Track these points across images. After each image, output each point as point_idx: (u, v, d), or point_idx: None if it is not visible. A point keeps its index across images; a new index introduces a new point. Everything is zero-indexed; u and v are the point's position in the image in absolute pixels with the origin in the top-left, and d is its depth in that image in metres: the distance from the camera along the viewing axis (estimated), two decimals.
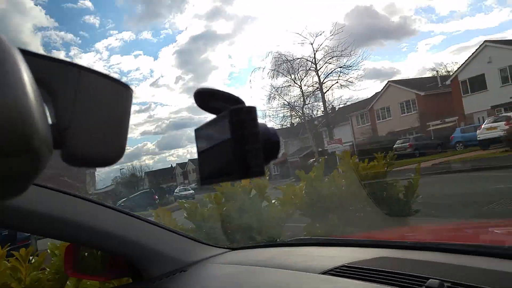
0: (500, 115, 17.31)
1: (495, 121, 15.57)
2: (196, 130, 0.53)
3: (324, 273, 1.06)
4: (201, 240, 1.67)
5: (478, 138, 15.82)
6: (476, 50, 25.15)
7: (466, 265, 0.90)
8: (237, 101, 0.46)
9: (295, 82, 32.13)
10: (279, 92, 33.01)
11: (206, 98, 0.47)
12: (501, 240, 1.26)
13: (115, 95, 0.45)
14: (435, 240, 1.13)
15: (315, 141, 32.05)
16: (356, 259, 1.12)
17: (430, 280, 0.86)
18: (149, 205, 18.08)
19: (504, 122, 14.68)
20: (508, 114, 16.21)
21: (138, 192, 28.94)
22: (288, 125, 35.75)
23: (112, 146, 0.45)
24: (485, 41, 25.14)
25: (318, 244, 1.42)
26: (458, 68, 26.60)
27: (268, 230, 3.20)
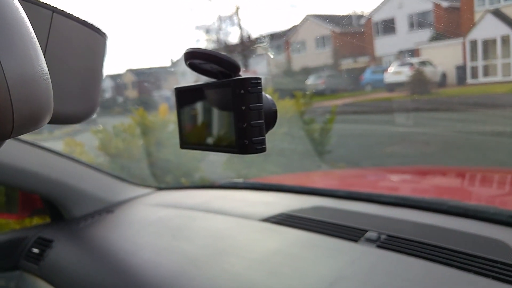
0: (405, 60, 18.68)
1: (400, 66, 16.81)
2: (178, 90, 0.48)
3: (264, 220, 1.07)
4: (125, 179, 1.59)
5: (385, 81, 17.03)
6: None
7: (400, 218, 0.97)
8: (233, 65, 0.41)
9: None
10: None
11: (197, 59, 0.42)
12: (424, 193, 1.39)
13: (88, 41, 0.40)
14: (369, 191, 1.20)
15: None
16: (292, 207, 1.14)
17: (368, 232, 0.91)
18: None
19: (408, 68, 15.94)
20: (412, 60, 17.55)
21: None
22: None
23: (84, 100, 0.40)
24: None
25: (251, 188, 1.43)
26: (374, 9, 27.62)
27: (187, 165, 3.18)
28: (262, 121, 0.40)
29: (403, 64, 17.42)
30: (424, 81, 15.24)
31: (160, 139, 3.26)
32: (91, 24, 0.39)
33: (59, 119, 0.36)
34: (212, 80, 0.45)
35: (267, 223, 1.05)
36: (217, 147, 0.45)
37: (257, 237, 0.98)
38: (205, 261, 0.91)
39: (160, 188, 1.61)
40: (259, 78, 0.40)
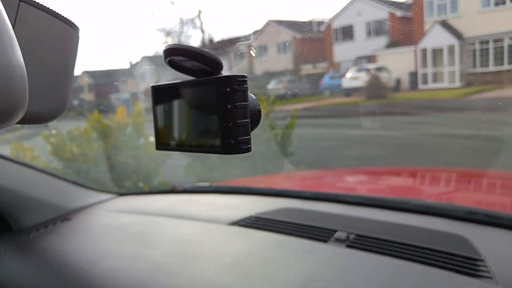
0: (362, 66, 19.32)
1: (358, 71, 17.37)
2: (154, 88, 0.46)
3: (233, 224, 1.05)
4: (84, 184, 1.51)
5: (343, 86, 17.55)
6: (350, 1, 27.02)
7: (366, 217, 0.98)
8: (216, 62, 0.39)
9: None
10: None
11: (178, 56, 0.40)
12: (388, 192, 1.42)
13: (59, 35, 0.37)
14: (334, 191, 1.21)
15: None
16: (260, 209, 1.13)
17: (337, 232, 0.92)
18: None
19: (365, 73, 16.49)
20: (369, 66, 18.18)
21: None
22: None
23: (53, 98, 0.38)
24: None
25: (217, 192, 1.40)
26: (333, 16, 28.38)
27: (146, 169, 3.10)
28: (248, 120, 0.39)
29: (360, 70, 18.01)
30: (380, 86, 15.84)
31: (117, 142, 3.15)
32: (63, 16, 0.37)
33: (25, 118, 0.33)
34: (192, 78, 0.43)
35: (236, 227, 1.03)
36: (198, 148, 0.43)
37: (226, 241, 0.96)
38: (173, 267, 0.87)
39: (121, 194, 1.54)
40: (245, 76, 0.39)
